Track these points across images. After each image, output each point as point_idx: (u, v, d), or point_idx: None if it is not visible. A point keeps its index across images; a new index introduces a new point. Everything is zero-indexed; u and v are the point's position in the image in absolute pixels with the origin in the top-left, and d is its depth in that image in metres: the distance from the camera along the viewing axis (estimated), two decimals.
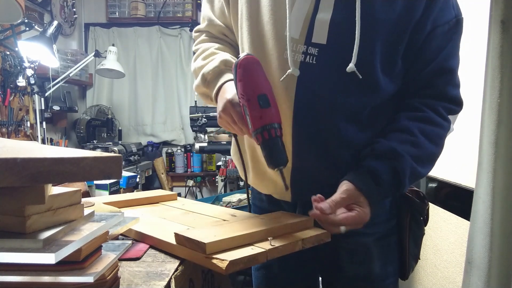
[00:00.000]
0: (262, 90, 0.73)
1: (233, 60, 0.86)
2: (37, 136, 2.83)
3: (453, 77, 0.84)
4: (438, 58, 0.81)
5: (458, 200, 1.35)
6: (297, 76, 0.78)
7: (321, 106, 0.79)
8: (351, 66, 0.75)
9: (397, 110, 0.85)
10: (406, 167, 0.78)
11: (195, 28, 1.03)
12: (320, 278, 1.06)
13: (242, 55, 0.75)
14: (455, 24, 0.81)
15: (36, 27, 2.30)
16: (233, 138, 0.98)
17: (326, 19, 0.77)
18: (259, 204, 1.03)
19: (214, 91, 0.86)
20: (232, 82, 0.82)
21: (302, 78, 0.78)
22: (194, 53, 1.00)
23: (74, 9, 3.76)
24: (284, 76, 0.78)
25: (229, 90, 0.81)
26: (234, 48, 0.97)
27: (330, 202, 0.72)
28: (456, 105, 0.85)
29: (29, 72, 2.47)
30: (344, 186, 0.75)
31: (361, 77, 0.76)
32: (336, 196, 0.74)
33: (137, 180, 2.32)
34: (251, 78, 0.74)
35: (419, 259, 0.98)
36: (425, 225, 0.96)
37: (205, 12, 0.98)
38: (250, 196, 1.05)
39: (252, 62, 0.75)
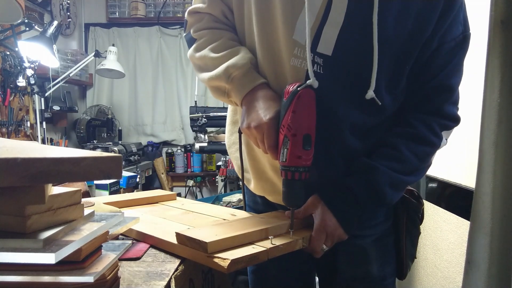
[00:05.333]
0: (310, 130, 0.72)
1: (254, 58, 0.82)
2: (37, 136, 2.83)
3: (452, 94, 0.82)
4: (440, 75, 0.80)
5: (459, 200, 1.35)
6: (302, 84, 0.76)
7: (325, 115, 0.77)
8: (370, 93, 0.74)
9: (393, 123, 0.84)
10: (382, 177, 0.78)
11: (192, 9, 0.90)
12: (317, 279, 1.06)
13: (303, 85, 0.72)
14: (462, 41, 0.79)
15: (36, 27, 2.30)
16: (238, 135, 0.92)
17: (335, 31, 0.74)
18: (254, 206, 1.02)
19: (244, 93, 0.80)
20: (266, 89, 0.80)
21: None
22: (192, 38, 0.90)
23: (69, 13, 3.75)
24: (303, 86, 0.73)
25: (268, 104, 0.77)
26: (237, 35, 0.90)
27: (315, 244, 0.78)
28: (452, 121, 0.84)
29: (29, 72, 2.47)
30: (322, 216, 0.78)
31: (380, 103, 0.75)
32: (315, 233, 0.78)
33: (137, 180, 2.32)
34: (305, 114, 0.72)
35: (415, 258, 0.98)
36: (420, 224, 0.96)
37: None
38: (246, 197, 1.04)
39: (312, 97, 0.72)
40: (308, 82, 0.73)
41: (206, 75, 0.85)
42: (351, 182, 0.79)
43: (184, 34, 0.95)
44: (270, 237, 0.72)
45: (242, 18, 0.85)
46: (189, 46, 0.91)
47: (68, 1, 3.72)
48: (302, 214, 0.80)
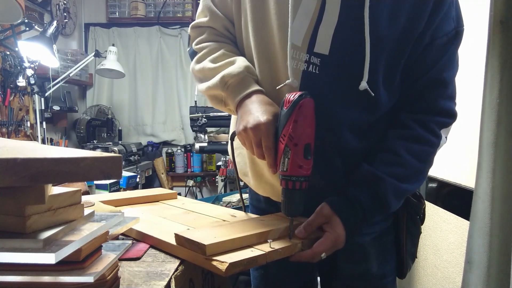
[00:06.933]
0: (310, 139, 0.72)
1: (252, 67, 0.84)
2: (37, 136, 2.83)
3: (447, 89, 0.82)
4: (432, 70, 0.80)
5: (458, 200, 1.35)
6: (299, 85, 0.78)
7: (323, 115, 0.77)
8: (363, 85, 0.75)
9: (390, 123, 0.85)
10: (387, 188, 0.78)
11: (194, 23, 0.94)
12: (318, 278, 1.06)
13: (303, 93, 0.71)
14: (454, 36, 0.80)
15: (36, 27, 2.31)
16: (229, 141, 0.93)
17: (330, 30, 0.76)
18: (257, 205, 1.03)
19: (239, 98, 0.81)
20: (262, 95, 0.80)
21: (305, 87, 0.77)
22: (194, 52, 0.92)
23: (65, 14, 3.73)
24: (282, 85, 0.76)
25: (264, 108, 0.77)
26: (238, 47, 0.93)
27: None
28: (448, 117, 0.83)
29: (29, 72, 2.48)
30: (335, 230, 0.77)
31: (373, 94, 0.76)
32: (326, 239, 0.76)
33: (137, 180, 2.32)
34: (306, 124, 0.71)
35: (416, 257, 0.98)
36: (421, 224, 0.96)
37: (206, 3, 0.91)
38: (247, 196, 1.04)
39: (312, 106, 0.72)
40: (287, 82, 0.74)
41: (204, 85, 0.87)
42: (361, 196, 0.79)
43: (188, 49, 0.97)
44: (269, 241, 0.72)
45: (240, 28, 0.87)
46: (192, 60, 0.93)
47: (65, 2, 3.70)
48: (313, 226, 0.78)
